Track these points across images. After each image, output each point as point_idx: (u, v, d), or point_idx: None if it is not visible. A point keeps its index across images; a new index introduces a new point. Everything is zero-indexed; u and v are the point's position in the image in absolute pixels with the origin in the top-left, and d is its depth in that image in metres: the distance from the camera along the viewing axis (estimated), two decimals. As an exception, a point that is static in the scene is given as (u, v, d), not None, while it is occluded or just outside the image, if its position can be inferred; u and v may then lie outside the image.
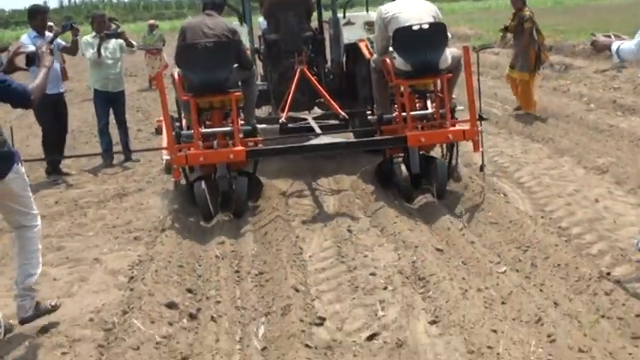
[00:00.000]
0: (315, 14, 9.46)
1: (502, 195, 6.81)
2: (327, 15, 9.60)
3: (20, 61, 4.83)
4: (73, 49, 9.11)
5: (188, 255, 5.81)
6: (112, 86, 9.64)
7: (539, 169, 7.73)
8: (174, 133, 6.86)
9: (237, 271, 5.53)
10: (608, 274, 4.81)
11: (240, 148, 6.70)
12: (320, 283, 5.14)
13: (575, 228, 5.84)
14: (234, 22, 9.56)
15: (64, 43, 9.10)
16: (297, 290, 4.87)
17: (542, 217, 6.22)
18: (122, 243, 6.44)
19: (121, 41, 9.70)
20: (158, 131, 7.64)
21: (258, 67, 9.45)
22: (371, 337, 4.25)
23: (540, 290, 4.73)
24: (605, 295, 4.46)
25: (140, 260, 5.81)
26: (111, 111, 9.80)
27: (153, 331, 4.38)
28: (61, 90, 9.02)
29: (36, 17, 8.63)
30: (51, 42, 8.11)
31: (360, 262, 5.44)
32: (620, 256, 5.10)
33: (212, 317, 4.65)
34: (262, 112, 9.75)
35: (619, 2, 36.36)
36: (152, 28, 18.65)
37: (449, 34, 7.02)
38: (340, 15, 9.14)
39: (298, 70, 8.19)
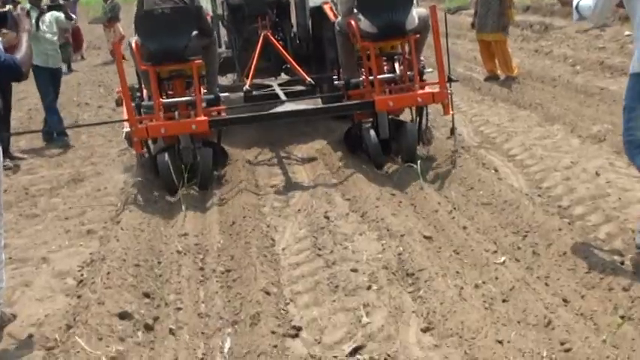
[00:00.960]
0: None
1: (493, 171, 6.21)
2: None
3: None
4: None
5: (146, 250, 5.16)
6: (52, 62, 8.95)
7: (530, 139, 7.11)
8: (134, 105, 6.56)
9: (201, 269, 4.91)
10: (622, 263, 4.22)
11: (202, 118, 6.41)
12: (295, 282, 4.51)
13: (578, 207, 5.22)
14: None
15: None
16: (268, 293, 4.24)
17: (539, 195, 5.62)
18: (74, 237, 5.75)
19: (57, 14, 9.02)
20: (118, 103, 7.20)
21: (222, 34, 8.94)
22: (354, 352, 3.63)
23: (546, 284, 4.14)
24: (624, 291, 3.87)
25: (92, 259, 5.11)
26: None
27: (100, 351, 3.74)
28: None
29: None
30: None
31: (340, 255, 4.80)
32: (631, 240, 4.50)
33: (171, 329, 4.04)
34: (227, 79, 9.35)
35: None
36: None
37: None
38: None
39: (262, 35, 7.92)
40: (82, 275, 4.89)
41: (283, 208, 5.92)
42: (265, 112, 7.00)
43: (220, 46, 8.74)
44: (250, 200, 6.01)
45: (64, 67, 15.34)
